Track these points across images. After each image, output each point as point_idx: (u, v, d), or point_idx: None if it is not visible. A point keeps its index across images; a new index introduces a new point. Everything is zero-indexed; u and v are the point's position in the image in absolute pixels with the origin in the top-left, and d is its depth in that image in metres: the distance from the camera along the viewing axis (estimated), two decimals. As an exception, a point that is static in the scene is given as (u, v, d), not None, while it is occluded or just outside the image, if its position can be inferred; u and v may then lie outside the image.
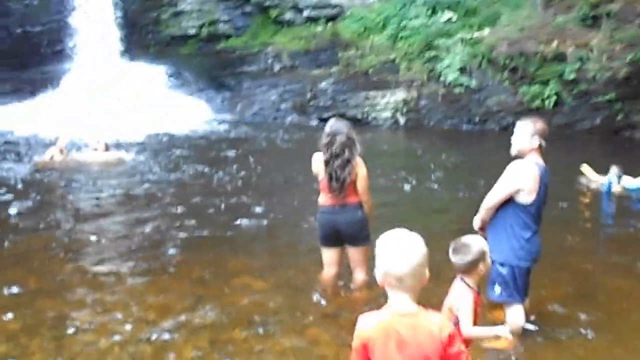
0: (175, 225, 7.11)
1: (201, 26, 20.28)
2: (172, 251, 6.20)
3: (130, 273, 5.54)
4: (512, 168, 4.13)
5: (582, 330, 4.42)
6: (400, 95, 16.52)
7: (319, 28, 18.91)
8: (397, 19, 17.60)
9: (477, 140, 14.83)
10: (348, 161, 4.76)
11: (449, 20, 16.96)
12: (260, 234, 6.87)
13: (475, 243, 3.07)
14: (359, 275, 4.99)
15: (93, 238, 6.64)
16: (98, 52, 19.22)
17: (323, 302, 4.91)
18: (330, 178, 4.79)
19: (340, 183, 4.77)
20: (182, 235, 6.75)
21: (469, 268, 3.03)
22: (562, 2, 15.36)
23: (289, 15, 19.57)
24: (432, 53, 16.33)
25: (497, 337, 3.24)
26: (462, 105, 16.01)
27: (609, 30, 14.23)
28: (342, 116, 14.91)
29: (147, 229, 6.99)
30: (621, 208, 8.50)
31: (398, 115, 16.55)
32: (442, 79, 15.90)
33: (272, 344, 4.17)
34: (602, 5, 14.44)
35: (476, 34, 16.14)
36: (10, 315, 4.57)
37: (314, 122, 16.94)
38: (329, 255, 5.04)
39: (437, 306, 2.82)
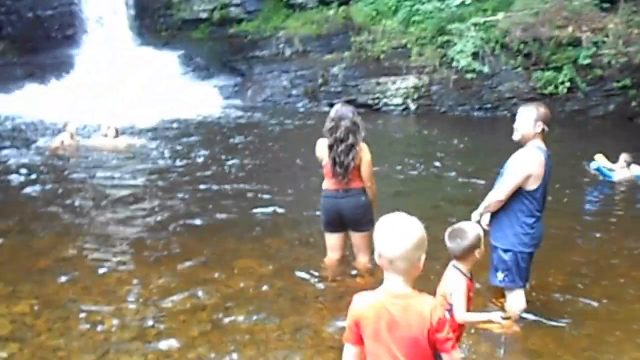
0: (183, 210, 7.15)
1: (213, 10, 20.20)
2: (177, 235, 6.25)
3: (135, 255, 5.60)
4: (518, 158, 4.10)
5: (585, 318, 4.42)
6: (411, 81, 16.39)
7: (331, 12, 18.77)
8: (410, 2, 17.40)
9: (488, 127, 14.69)
10: (352, 146, 4.75)
11: (462, 4, 16.72)
12: (268, 219, 6.89)
13: (471, 229, 3.07)
14: (362, 260, 5.01)
15: (99, 221, 6.70)
16: (109, 37, 19.24)
17: (325, 286, 4.92)
18: (334, 163, 4.78)
19: (344, 168, 4.76)
20: (189, 219, 6.78)
21: (465, 253, 3.03)
22: (578, -14, 15.12)
23: (301, -1, 19.42)
24: (445, 38, 16.15)
25: (491, 323, 3.23)
26: (474, 91, 15.86)
27: (626, 15, 13.99)
28: (353, 102, 14.90)
29: (154, 212, 7.04)
30: (630, 195, 8.43)
31: (409, 101, 16.43)
32: (454, 64, 15.74)
33: (273, 327, 4.20)
34: (619, -11, 14.21)
35: (489, 19, 15.93)
36: (17, 296, 4.64)
37: (325, 108, 16.88)
38: (332, 240, 5.05)
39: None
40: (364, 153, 4.81)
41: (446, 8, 16.71)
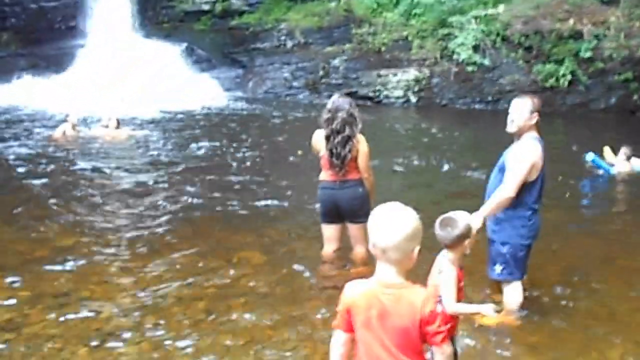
0: (182, 201, 7.17)
1: (214, 2, 20.16)
2: (175, 225, 6.26)
3: (132, 245, 5.61)
4: (519, 151, 4.06)
5: (582, 312, 4.42)
6: (412, 73, 16.37)
7: (332, 4, 18.72)
8: (411, -6, 17.37)
9: (489, 120, 14.66)
10: (349, 138, 4.76)
11: (464, -4, 16.68)
12: (267, 211, 6.90)
13: (462, 218, 3.07)
14: (359, 251, 5.02)
15: (97, 211, 6.72)
16: (112, 28, 19.21)
17: (322, 277, 4.94)
18: (331, 154, 4.79)
19: (341, 160, 4.77)
20: (188, 210, 6.81)
21: (455, 243, 3.03)
22: (580, -22, 15.06)
23: (302, -10, 19.36)
24: (446, 31, 16.12)
25: (481, 315, 3.23)
26: (474, 84, 15.84)
27: (628, 8, 13.93)
28: (353, 94, 14.87)
29: (153, 203, 7.07)
30: (629, 189, 8.42)
31: (410, 94, 16.41)
32: (455, 57, 15.73)
33: (269, 316, 4.22)
34: (622, -18, 14.15)
35: (491, 11, 15.88)
36: (14, 285, 4.67)
37: (326, 100, 16.77)
38: (329, 232, 5.07)
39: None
40: (361, 145, 4.80)
41: (447, 1, 16.67)
